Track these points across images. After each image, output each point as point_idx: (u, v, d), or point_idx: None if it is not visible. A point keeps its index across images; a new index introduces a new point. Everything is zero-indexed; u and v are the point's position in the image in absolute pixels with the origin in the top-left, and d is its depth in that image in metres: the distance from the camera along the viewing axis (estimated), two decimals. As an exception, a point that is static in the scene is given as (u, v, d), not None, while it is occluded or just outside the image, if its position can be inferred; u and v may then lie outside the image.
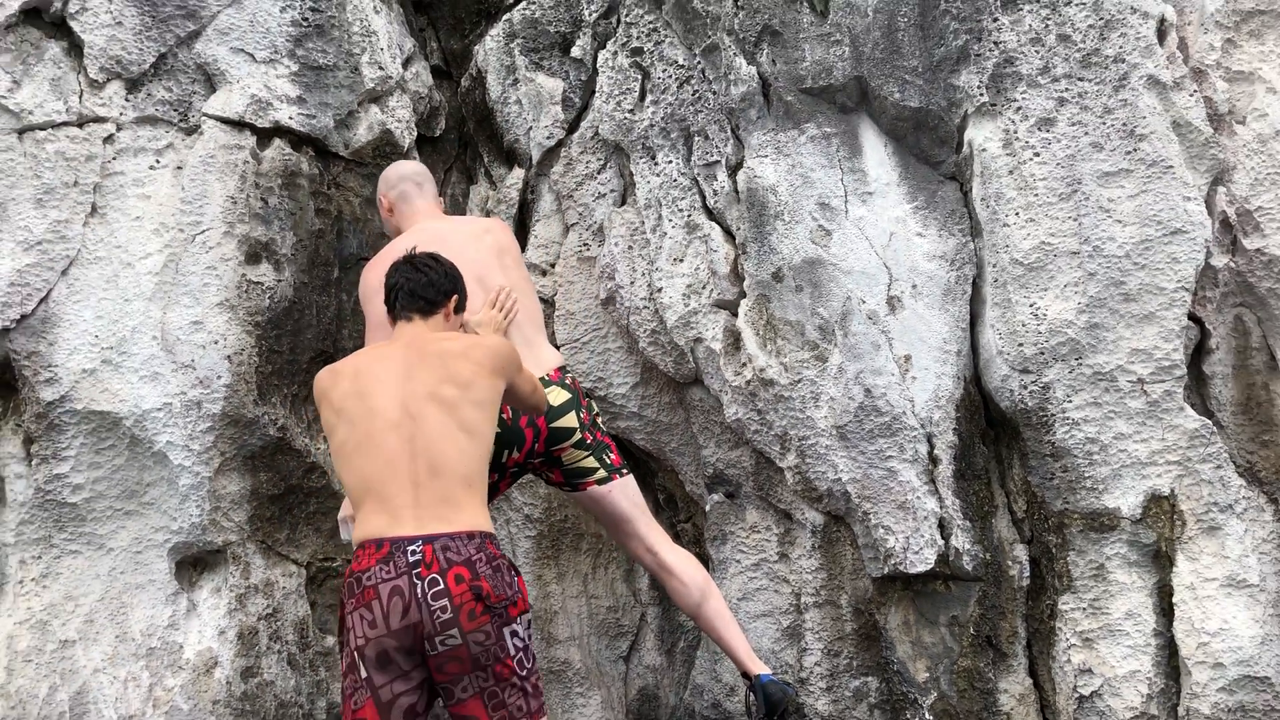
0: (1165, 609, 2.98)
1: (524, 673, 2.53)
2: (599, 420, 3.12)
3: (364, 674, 2.46)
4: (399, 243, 3.08)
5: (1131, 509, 3.03)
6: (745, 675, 2.93)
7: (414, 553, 2.46)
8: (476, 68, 4.03)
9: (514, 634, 2.52)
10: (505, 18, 4.01)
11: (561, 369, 3.08)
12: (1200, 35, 3.27)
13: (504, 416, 2.93)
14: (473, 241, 3.15)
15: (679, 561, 3.04)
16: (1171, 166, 3.11)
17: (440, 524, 2.50)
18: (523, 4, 4.00)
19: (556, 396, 2.98)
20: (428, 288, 2.71)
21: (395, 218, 3.36)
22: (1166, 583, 2.99)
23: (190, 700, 3.04)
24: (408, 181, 3.39)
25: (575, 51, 3.88)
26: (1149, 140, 3.13)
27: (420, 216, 3.32)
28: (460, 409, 2.58)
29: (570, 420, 2.99)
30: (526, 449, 2.97)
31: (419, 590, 2.44)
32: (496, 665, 2.49)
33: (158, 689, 3.06)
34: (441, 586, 2.45)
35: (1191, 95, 3.18)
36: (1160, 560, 3.02)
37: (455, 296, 2.77)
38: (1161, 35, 3.27)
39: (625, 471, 3.11)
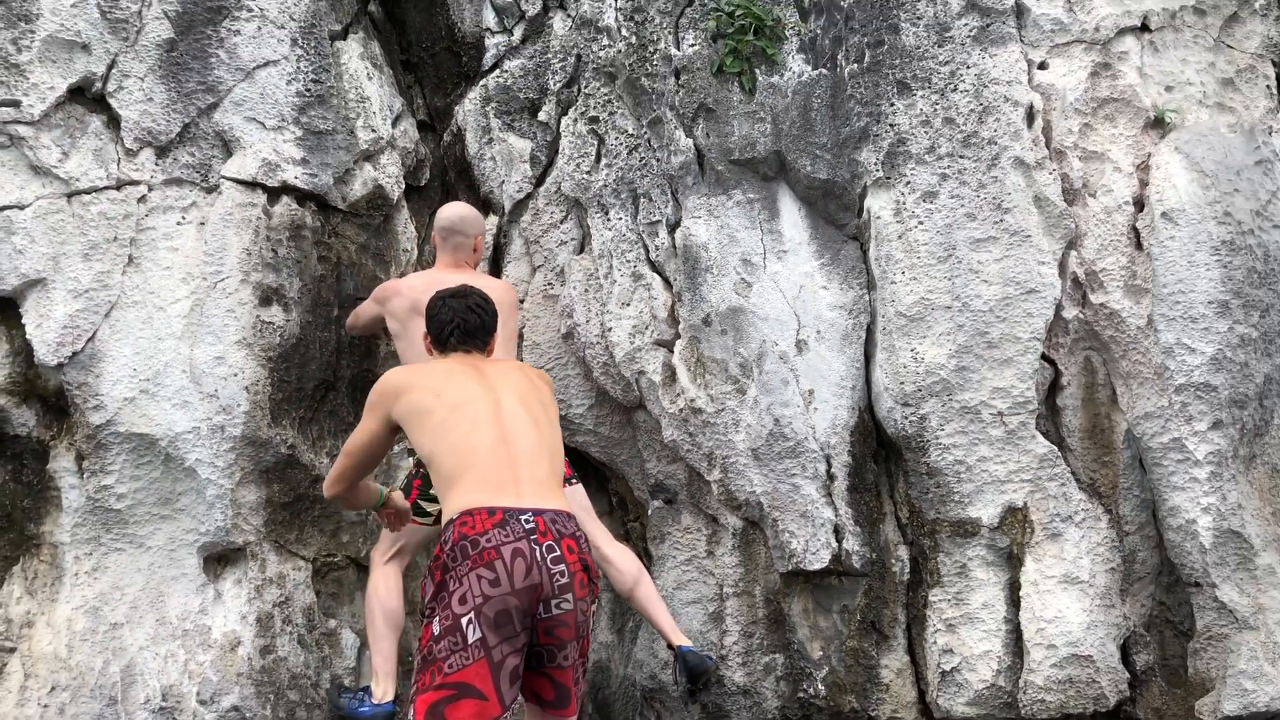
0: (1014, 601, 3.64)
1: (584, 655, 2.71)
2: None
3: (476, 635, 2.50)
4: (432, 277, 3.76)
5: (990, 519, 3.68)
6: (670, 646, 3.61)
7: (528, 521, 2.58)
8: (457, 125, 4.63)
9: (593, 616, 2.71)
10: (482, 83, 4.60)
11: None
12: (1061, 120, 3.88)
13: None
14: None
15: (617, 554, 3.72)
16: (1030, 235, 3.73)
17: (541, 500, 2.65)
18: (496, 71, 4.59)
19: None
20: (481, 330, 2.98)
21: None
22: (1016, 579, 3.65)
23: (219, 673, 3.69)
24: (439, 231, 4.01)
25: (542, 116, 4.49)
26: (1013, 213, 3.75)
27: (440, 267, 3.96)
28: (541, 422, 2.81)
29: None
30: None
31: (538, 554, 2.54)
32: (584, 641, 2.66)
33: (191, 663, 3.71)
34: (559, 553, 2.57)
35: (1051, 174, 3.80)
36: (1012, 561, 3.67)
37: (496, 333, 3.08)
38: (1030, 119, 3.89)
39: (574, 481, 3.77)
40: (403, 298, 3.83)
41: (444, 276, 3.74)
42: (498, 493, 2.64)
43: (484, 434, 2.71)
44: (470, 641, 2.49)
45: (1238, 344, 3.58)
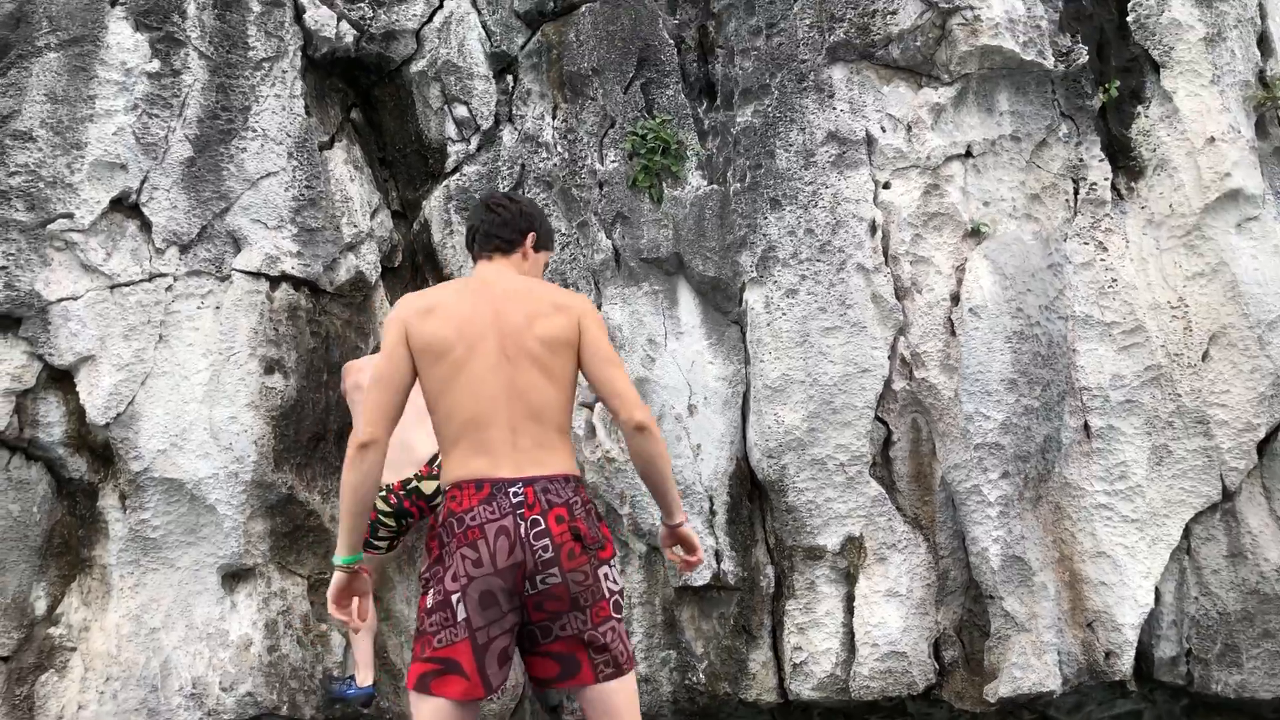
0: (849, 610, 4.69)
1: (620, 615, 2.67)
2: None
3: (461, 614, 2.52)
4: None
5: (834, 546, 4.73)
6: None
7: (516, 494, 2.55)
8: (424, 217, 5.64)
9: (607, 575, 2.63)
10: (444, 183, 5.61)
11: (429, 462, 4.54)
12: (897, 231, 4.93)
13: (391, 501, 4.52)
14: None
15: None
16: (866, 326, 4.78)
17: (536, 467, 2.61)
18: (456, 174, 5.61)
19: (428, 486, 4.56)
20: (503, 227, 2.93)
21: None
22: (851, 593, 4.71)
23: (236, 667, 4.72)
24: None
25: (492, 212, 5.50)
26: (854, 308, 4.80)
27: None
28: (552, 369, 2.72)
29: (438, 499, 4.54)
30: (419, 516, 4.63)
31: (523, 530, 2.52)
32: (594, 606, 2.59)
33: (214, 659, 4.74)
34: (543, 527, 2.53)
35: (886, 276, 4.85)
36: (849, 578, 4.73)
37: (532, 234, 2.97)
38: (873, 231, 4.93)
39: None
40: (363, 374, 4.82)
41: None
42: (491, 463, 2.60)
43: (484, 389, 2.65)
44: (458, 619, 2.50)
45: (1022, 412, 4.64)
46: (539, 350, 2.73)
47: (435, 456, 4.53)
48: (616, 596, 2.67)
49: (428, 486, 4.60)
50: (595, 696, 2.66)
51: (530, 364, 2.71)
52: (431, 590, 2.62)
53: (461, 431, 2.66)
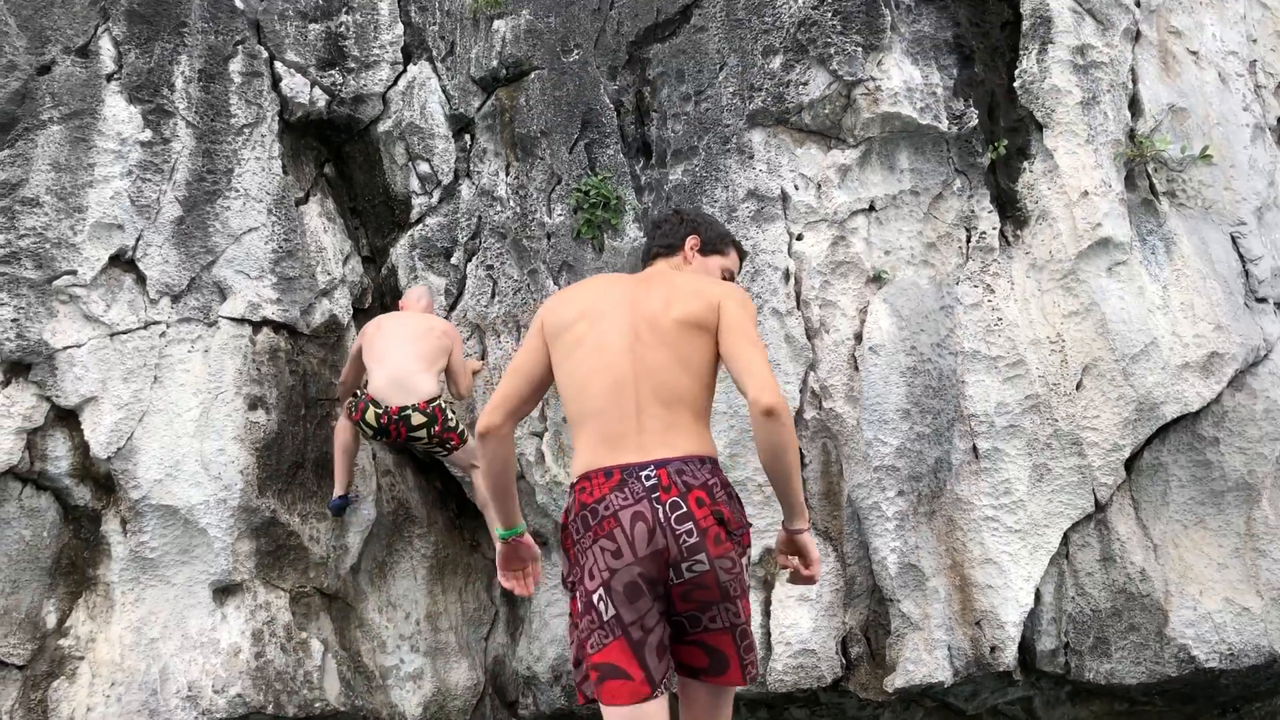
0: (767, 613, 5.33)
1: (748, 616, 2.50)
2: (449, 432, 5.43)
3: (610, 612, 2.35)
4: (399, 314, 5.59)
5: (754, 557, 5.36)
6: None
7: (648, 477, 2.39)
8: (391, 263, 6.25)
9: (746, 563, 2.47)
10: (409, 232, 6.22)
11: (428, 401, 5.38)
12: (808, 279, 5.57)
13: (382, 420, 5.32)
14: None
15: (482, 482, 5.38)
16: (780, 363, 5.42)
17: (665, 449, 2.45)
18: (420, 225, 6.22)
19: (417, 419, 5.35)
20: (664, 235, 2.99)
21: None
22: (769, 598, 5.34)
23: (226, 671, 5.32)
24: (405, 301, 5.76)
25: (454, 260, 6.12)
26: (770, 347, 5.44)
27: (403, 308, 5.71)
28: (681, 348, 2.58)
29: (421, 432, 5.38)
30: (393, 438, 5.41)
31: (661, 514, 2.35)
32: (743, 598, 2.43)
33: (207, 665, 5.33)
34: (685, 510, 2.35)
35: (797, 319, 5.49)
36: (767, 585, 5.37)
37: (694, 238, 2.97)
38: (787, 279, 5.57)
39: (460, 443, 5.49)
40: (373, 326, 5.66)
41: (405, 313, 5.71)
42: (617, 446, 2.46)
43: (610, 370, 2.54)
44: (606, 619, 2.36)
45: (915, 438, 5.29)
46: (673, 333, 2.58)
47: (435, 398, 5.43)
48: (748, 595, 2.47)
49: (416, 419, 5.40)
50: (713, 695, 2.51)
51: (661, 345, 2.57)
52: (576, 594, 2.48)
53: (587, 416, 2.53)
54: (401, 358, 5.40)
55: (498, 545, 2.89)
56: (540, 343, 2.76)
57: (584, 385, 2.61)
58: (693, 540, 2.37)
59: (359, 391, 5.61)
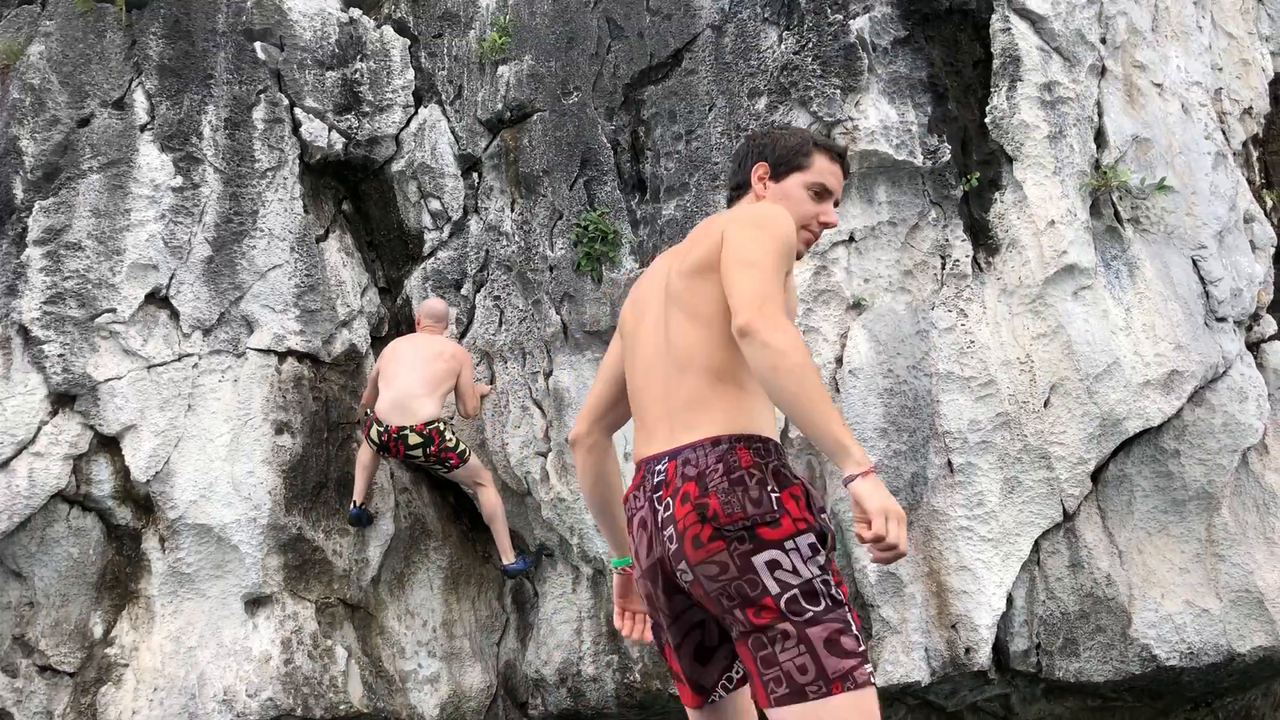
0: (756, 619, 5.73)
1: (801, 616, 1.97)
2: (446, 451, 5.87)
3: (655, 619, 2.25)
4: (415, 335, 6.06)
5: (744, 567, 5.77)
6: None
7: (658, 473, 2.17)
8: (405, 293, 6.67)
9: (773, 564, 1.98)
10: (422, 265, 6.65)
11: (425, 424, 5.83)
12: (795, 306, 5.96)
13: (383, 438, 5.77)
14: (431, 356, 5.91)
15: (487, 498, 5.89)
16: (766, 387, 5.82)
17: (686, 432, 2.17)
18: (432, 258, 6.64)
19: (414, 439, 5.81)
20: (732, 176, 2.62)
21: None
22: (758, 605, 5.74)
23: (258, 677, 5.76)
24: (421, 316, 6.21)
25: (464, 291, 6.55)
26: (756, 371, 5.83)
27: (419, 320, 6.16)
28: (691, 296, 2.27)
29: (418, 451, 5.85)
30: (395, 455, 5.86)
31: (658, 518, 2.13)
32: (748, 608, 1.98)
33: (240, 671, 5.77)
34: (670, 510, 2.10)
35: (781, 344, 5.88)
36: (756, 593, 5.77)
37: (761, 164, 2.54)
38: (772, 306, 5.96)
39: (460, 463, 5.93)
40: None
41: (420, 336, 6.13)
42: (648, 437, 2.26)
43: (642, 354, 2.32)
44: (652, 624, 2.29)
45: (892, 455, 5.68)
46: (681, 287, 2.29)
47: (433, 420, 5.90)
48: (797, 590, 1.97)
49: (413, 439, 5.90)
50: (749, 711, 2.27)
51: (675, 307, 2.29)
52: None
53: (634, 406, 2.34)
54: (406, 381, 5.85)
55: (612, 576, 2.68)
56: (618, 343, 2.55)
57: (633, 375, 2.37)
58: (674, 546, 2.08)
59: (369, 411, 6.07)
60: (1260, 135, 7.36)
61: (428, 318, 6.21)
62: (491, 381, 6.37)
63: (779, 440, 2.24)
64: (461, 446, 5.98)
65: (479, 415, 6.18)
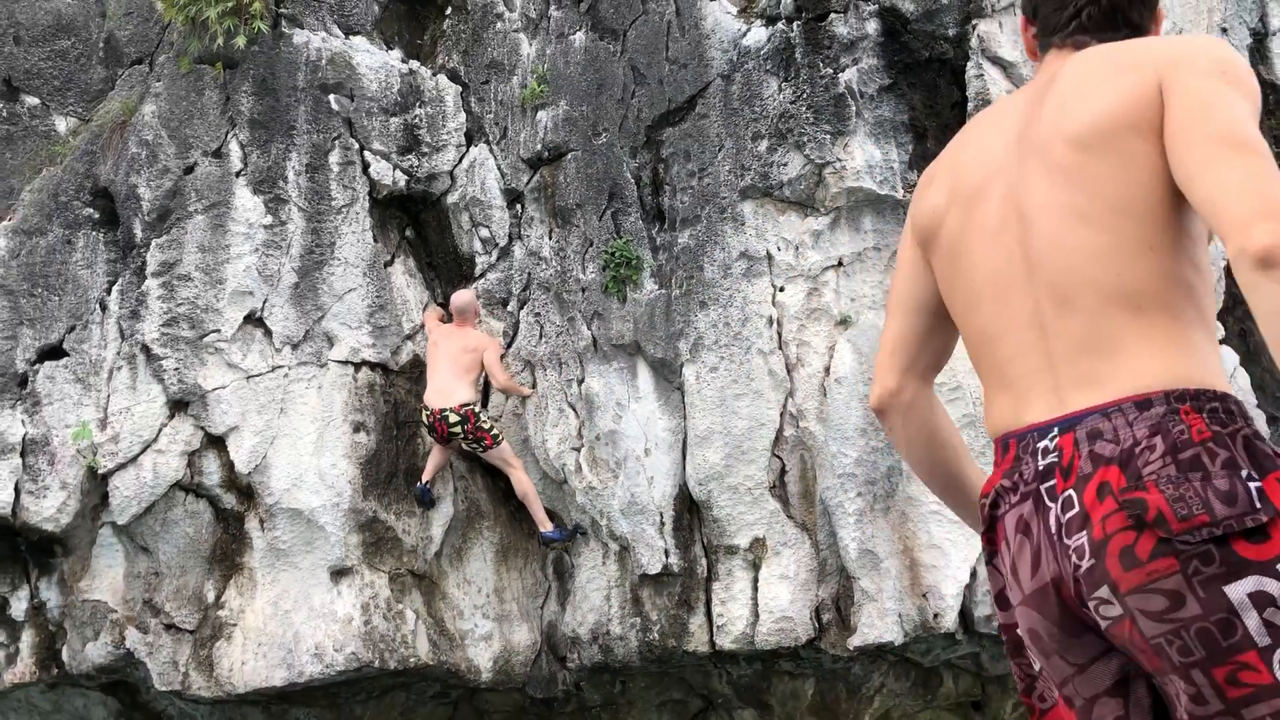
0: (755, 588, 6.74)
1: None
2: (480, 431, 6.91)
3: (1036, 664, 1.53)
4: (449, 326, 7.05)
5: (745, 544, 6.78)
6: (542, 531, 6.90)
7: (1046, 452, 1.44)
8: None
9: (1262, 600, 1.26)
10: (474, 285, 7.70)
11: (461, 405, 6.87)
12: (788, 324, 6.92)
13: (428, 420, 6.79)
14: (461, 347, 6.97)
15: (518, 479, 6.91)
16: (763, 393, 6.79)
17: (1088, 390, 1.44)
18: (482, 279, 7.69)
19: (453, 418, 6.86)
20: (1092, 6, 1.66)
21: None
22: (757, 577, 6.75)
23: (342, 635, 6.90)
24: (453, 310, 7.24)
25: (510, 308, 7.59)
26: (755, 380, 6.81)
27: (455, 324, 7.18)
28: (1084, 176, 1.48)
29: (458, 429, 6.87)
30: (440, 435, 6.87)
31: (1051, 520, 1.40)
32: (1217, 669, 1.27)
33: (328, 630, 6.91)
34: (1077, 509, 1.37)
35: (778, 357, 6.85)
36: (755, 566, 6.78)
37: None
38: (770, 324, 6.93)
39: (493, 444, 6.97)
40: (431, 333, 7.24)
41: (452, 328, 7.18)
42: (1013, 399, 1.54)
43: (983, 269, 1.60)
44: (1036, 669, 1.55)
45: (870, 451, 6.64)
46: (1069, 166, 1.51)
47: (469, 402, 6.96)
48: None
49: (452, 418, 6.95)
50: None
51: (1049, 194, 1.53)
52: (1003, 615, 1.64)
53: (979, 353, 1.65)
54: (442, 372, 6.97)
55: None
56: (914, 252, 1.81)
57: (965, 309, 1.66)
58: (1086, 563, 1.38)
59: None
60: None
61: (457, 314, 7.29)
62: (534, 386, 7.42)
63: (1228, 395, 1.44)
64: (495, 430, 7.06)
65: (509, 387, 7.22)
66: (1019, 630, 1.56)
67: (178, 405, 6.97)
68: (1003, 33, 7.12)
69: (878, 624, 6.51)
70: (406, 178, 7.70)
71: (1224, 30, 8.28)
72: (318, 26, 7.73)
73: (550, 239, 7.49)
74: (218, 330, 7.05)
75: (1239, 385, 7.19)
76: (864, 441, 6.65)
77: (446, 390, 6.99)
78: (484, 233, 7.66)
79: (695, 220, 7.14)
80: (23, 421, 6.88)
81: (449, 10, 8.25)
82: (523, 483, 7.10)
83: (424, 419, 7.07)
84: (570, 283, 7.32)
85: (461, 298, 7.36)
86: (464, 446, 7.17)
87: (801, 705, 7.24)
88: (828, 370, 6.85)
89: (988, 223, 1.62)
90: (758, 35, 7.29)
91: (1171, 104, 1.48)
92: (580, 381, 7.21)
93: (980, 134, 1.75)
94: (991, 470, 1.64)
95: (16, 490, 6.80)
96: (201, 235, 7.12)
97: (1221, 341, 7.37)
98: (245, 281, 7.13)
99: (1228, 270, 7.63)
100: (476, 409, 7.04)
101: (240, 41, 7.12)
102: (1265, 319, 1.31)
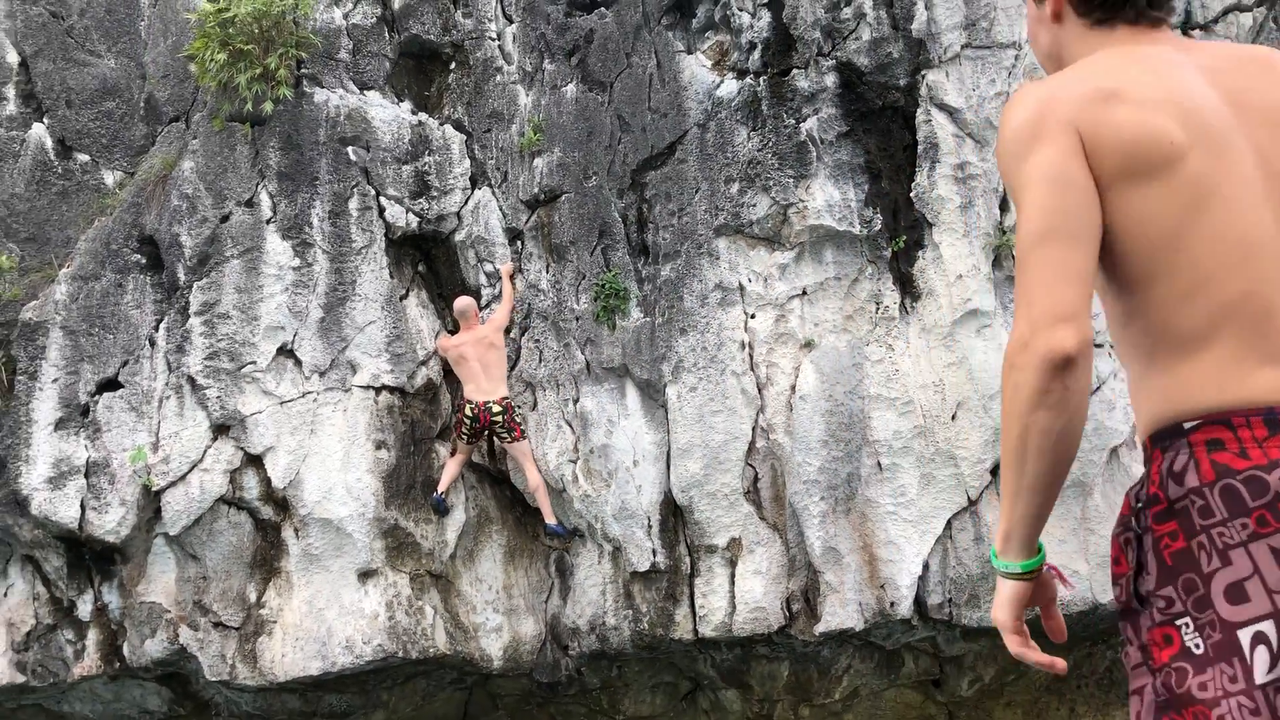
0: (732, 582, 7.57)
1: None
2: (514, 423, 7.76)
3: (1262, 671, 1.30)
4: (461, 335, 7.87)
5: (723, 544, 7.61)
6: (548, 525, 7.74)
7: None
8: (468, 336, 8.58)
9: None
10: (480, 315, 8.55)
11: (503, 398, 7.76)
12: (759, 347, 7.75)
13: (470, 413, 7.64)
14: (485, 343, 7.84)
15: (532, 474, 7.77)
16: (737, 410, 7.63)
17: None
18: (487, 309, 8.54)
19: (496, 408, 7.70)
20: None
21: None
22: (734, 573, 7.59)
23: (370, 629, 7.77)
24: (456, 315, 8.06)
25: (512, 334, 8.43)
26: (730, 398, 7.65)
27: (463, 329, 8.01)
28: None
29: (499, 418, 7.70)
30: (482, 426, 7.71)
31: None
32: None
33: (356, 625, 7.79)
34: None
35: (749, 377, 7.68)
36: (732, 564, 7.62)
37: None
38: (743, 348, 7.76)
39: (522, 436, 7.84)
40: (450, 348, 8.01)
41: (466, 334, 7.99)
42: None
43: (1254, 233, 1.48)
44: (1261, 682, 1.30)
45: (832, 460, 7.47)
46: None
47: (506, 396, 7.85)
48: None
49: (495, 408, 7.83)
50: None
51: None
52: (1183, 623, 1.42)
53: (1215, 314, 1.47)
54: (478, 373, 7.83)
55: (1009, 589, 1.73)
56: (1085, 174, 1.56)
57: (1206, 261, 1.50)
58: None
59: (456, 405, 8.04)
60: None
61: (460, 318, 8.16)
62: (534, 407, 8.27)
63: None
64: (525, 425, 7.92)
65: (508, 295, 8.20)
66: (1267, 628, 1.32)
67: (220, 429, 7.84)
68: (949, 81, 7.93)
69: (840, 612, 7.35)
70: (418, 219, 8.55)
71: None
72: (335, 84, 8.58)
73: (547, 273, 8.33)
74: (254, 362, 7.92)
75: None
76: (826, 451, 7.49)
77: (487, 388, 7.90)
78: (488, 267, 8.50)
79: (676, 255, 7.97)
80: (86, 446, 7.77)
81: (453, 65, 9.08)
82: (535, 479, 7.94)
83: (468, 413, 7.88)
84: (565, 312, 8.16)
85: (460, 302, 8.21)
86: (497, 435, 7.97)
87: (778, 685, 8.10)
88: (793, 389, 7.67)
89: (1249, 176, 1.50)
90: (730, 87, 8.11)
91: None
92: (575, 401, 8.06)
93: (1164, 75, 1.59)
94: (1230, 449, 1.44)
95: (82, 507, 7.69)
96: (238, 277, 7.98)
97: None
98: (277, 318, 7.99)
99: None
100: (512, 404, 7.90)
101: (268, 107, 7.97)
102: None
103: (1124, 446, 7.76)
